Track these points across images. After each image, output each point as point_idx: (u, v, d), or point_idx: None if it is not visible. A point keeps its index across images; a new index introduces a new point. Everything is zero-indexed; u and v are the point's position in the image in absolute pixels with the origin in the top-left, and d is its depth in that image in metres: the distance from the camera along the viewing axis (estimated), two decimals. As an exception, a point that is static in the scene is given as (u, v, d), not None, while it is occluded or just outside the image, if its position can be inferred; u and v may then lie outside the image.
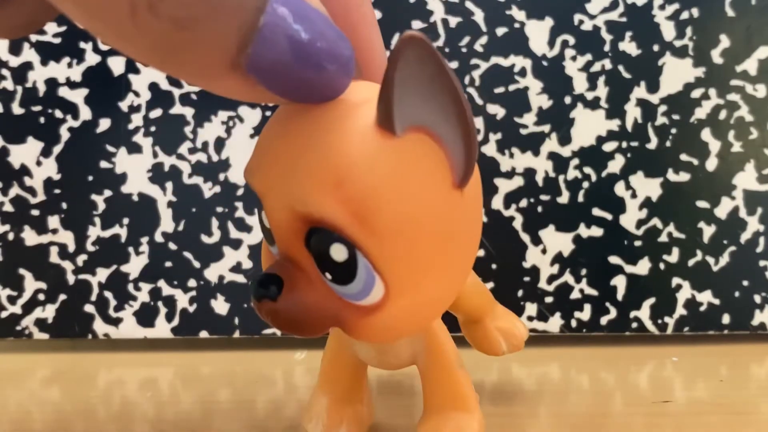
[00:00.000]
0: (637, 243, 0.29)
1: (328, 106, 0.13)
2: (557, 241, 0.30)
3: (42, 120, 0.29)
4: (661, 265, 0.29)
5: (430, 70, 0.12)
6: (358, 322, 0.13)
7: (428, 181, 0.12)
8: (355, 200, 0.12)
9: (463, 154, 0.12)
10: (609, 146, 0.29)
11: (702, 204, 0.29)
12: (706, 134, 0.29)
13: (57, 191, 0.30)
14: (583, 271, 0.29)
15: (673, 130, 0.29)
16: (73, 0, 0.10)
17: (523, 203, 0.29)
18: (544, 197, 0.29)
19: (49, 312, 0.29)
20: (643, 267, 0.29)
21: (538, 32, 0.29)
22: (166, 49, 0.11)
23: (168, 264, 0.30)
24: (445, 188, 0.13)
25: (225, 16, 0.11)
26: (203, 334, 0.30)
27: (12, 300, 0.29)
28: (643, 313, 0.29)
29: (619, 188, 0.30)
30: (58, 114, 0.29)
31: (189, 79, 0.12)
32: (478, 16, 0.29)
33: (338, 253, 0.12)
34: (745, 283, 0.29)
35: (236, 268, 0.30)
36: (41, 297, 0.29)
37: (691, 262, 0.29)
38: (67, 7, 0.10)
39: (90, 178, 0.30)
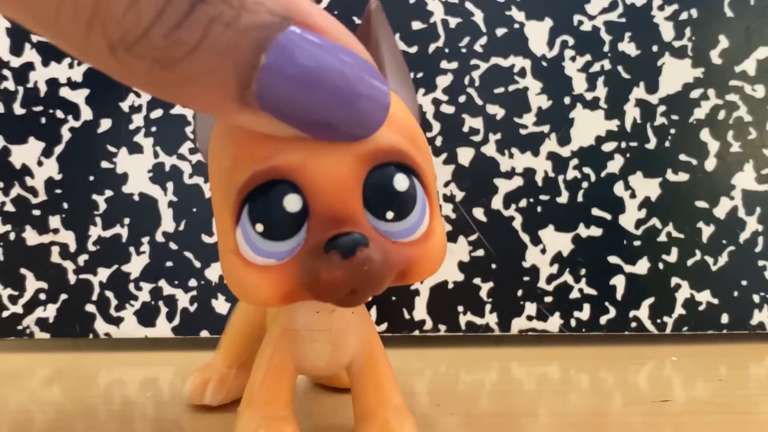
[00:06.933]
0: (636, 243, 0.30)
1: None
2: (557, 241, 0.30)
3: (43, 120, 0.30)
4: (660, 265, 0.30)
5: (393, 42, 0.15)
6: (421, 253, 0.14)
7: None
8: (404, 129, 0.14)
9: (416, 113, 0.16)
10: (608, 146, 0.30)
11: (701, 204, 0.30)
12: (704, 134, 0.30)
13: (58, 191, 0.30)
14: (583, 271, 0.30)
15: (672, 131, 0.30)
16: (67, 43, 0.10)
17: (523, 203, 0.30)
18: (543, 197, 0.30)
19: (50, 311, 0.30)
20: (642, 267, 0.30)
21: (537, 33, 0.29)
22: (157, 85, 0.11)
23: (169, 264, 0.30)
24: None
25: (210, 56, 0.10)
26: (204, 333, 0.30)
27: (13, 300, 0.30)
28: (643, 312, 0.30)
29: (618, 188, 0.30)
30: (60, 114, 0.30)
31: (206, 113, 0.12)
32: (478, 16, 0.29)
33: (401, 182, 0.14)
34: (744, 282, 0.29)
35: (237, 268, 0.30)
36: (42, 297, 0.30)
37: (690, 262, 0.30)
38: (62, 46, 0.11)
39: (91, 178, 0.30)
